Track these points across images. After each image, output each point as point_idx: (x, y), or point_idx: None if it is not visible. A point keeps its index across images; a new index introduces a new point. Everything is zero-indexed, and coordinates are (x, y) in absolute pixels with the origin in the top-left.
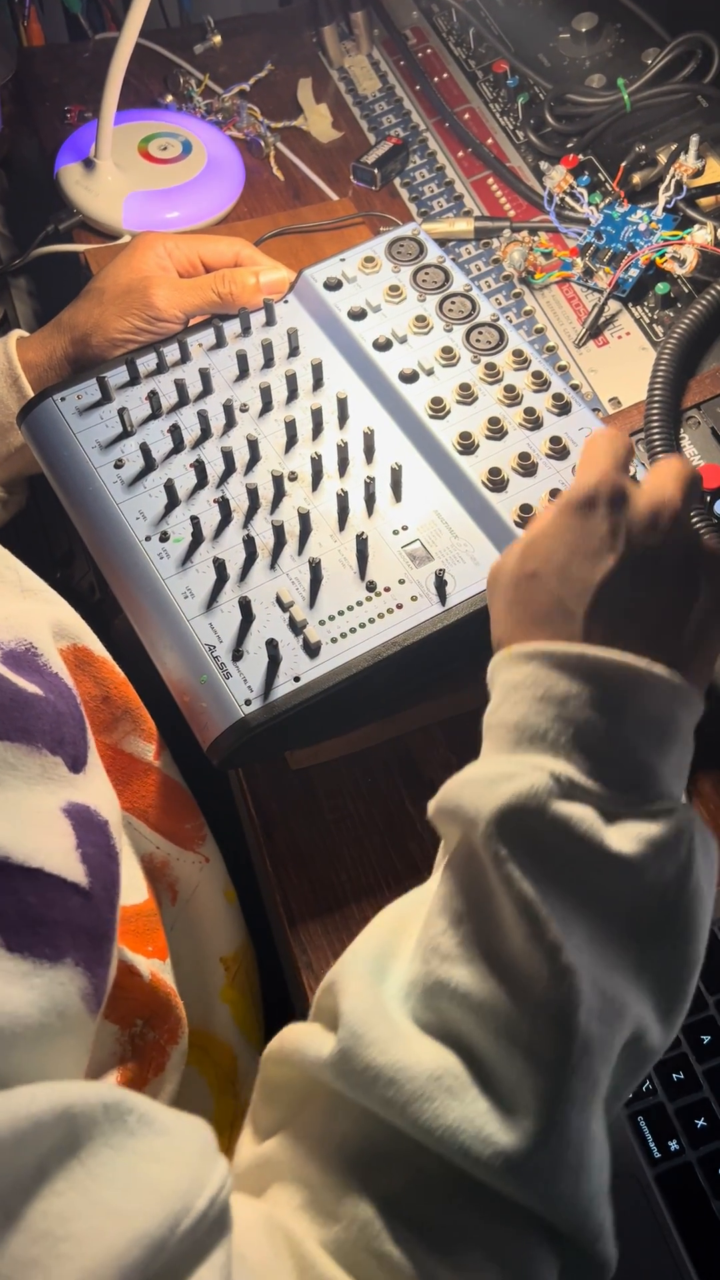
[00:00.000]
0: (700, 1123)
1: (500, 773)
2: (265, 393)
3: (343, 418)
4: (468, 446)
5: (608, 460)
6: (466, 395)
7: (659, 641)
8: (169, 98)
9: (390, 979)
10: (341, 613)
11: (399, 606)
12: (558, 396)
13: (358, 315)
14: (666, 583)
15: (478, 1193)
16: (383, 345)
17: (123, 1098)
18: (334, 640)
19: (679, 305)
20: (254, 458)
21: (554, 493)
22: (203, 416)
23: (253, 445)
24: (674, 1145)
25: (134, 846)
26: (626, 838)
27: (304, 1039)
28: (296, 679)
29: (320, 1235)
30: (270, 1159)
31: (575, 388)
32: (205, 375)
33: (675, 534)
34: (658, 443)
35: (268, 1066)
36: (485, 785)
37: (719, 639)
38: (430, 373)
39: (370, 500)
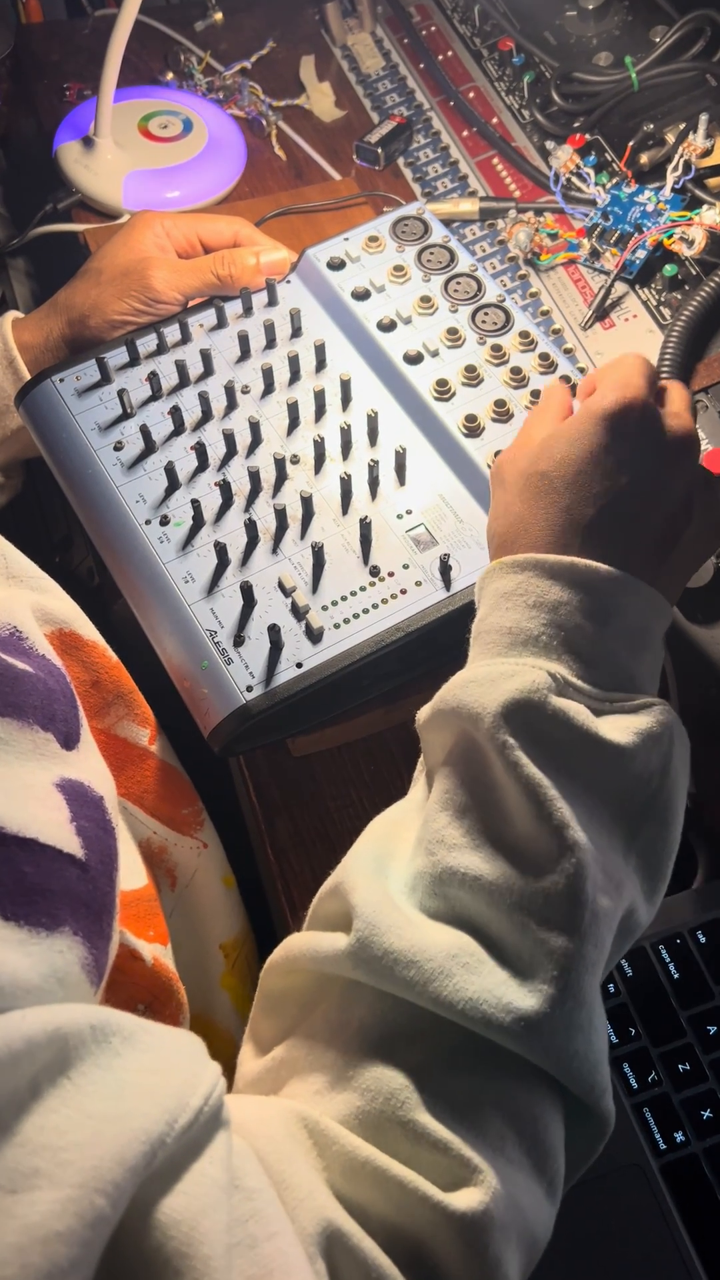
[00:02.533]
0: (706, 1114)
1: (500, 672)
2: (267, 374)
3: (346, 400)
4: (473, 429)
5: (642, 379)
6: (472, 377)
7: (646, 559)
8: (169, 75)
9: (392, 877)
10: (344, 598)
11: (403, 592)
12: (564, 379)
13: (361, 296)
14: (667, 509)
15: (497, 1059)
16: (387, 326)
17: (107, 1019)
18: (337, 626)
19: (687, 287)
20: (255, 440)
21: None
22: (203, 398)
23: (254, 428)
24: (679, 1136)
25: (131, 831)
26: (616, 729)
27: (313, 941)
28: (299, 665)
29: (340, 1111)
30: (283, 1060)
31: (582, 371)
32: (206, 356)
33: (689, 466)
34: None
35: (270, 978)
36: (488, 684)
37: (696, 563)
38: (435, 354)
39: (374, 484)
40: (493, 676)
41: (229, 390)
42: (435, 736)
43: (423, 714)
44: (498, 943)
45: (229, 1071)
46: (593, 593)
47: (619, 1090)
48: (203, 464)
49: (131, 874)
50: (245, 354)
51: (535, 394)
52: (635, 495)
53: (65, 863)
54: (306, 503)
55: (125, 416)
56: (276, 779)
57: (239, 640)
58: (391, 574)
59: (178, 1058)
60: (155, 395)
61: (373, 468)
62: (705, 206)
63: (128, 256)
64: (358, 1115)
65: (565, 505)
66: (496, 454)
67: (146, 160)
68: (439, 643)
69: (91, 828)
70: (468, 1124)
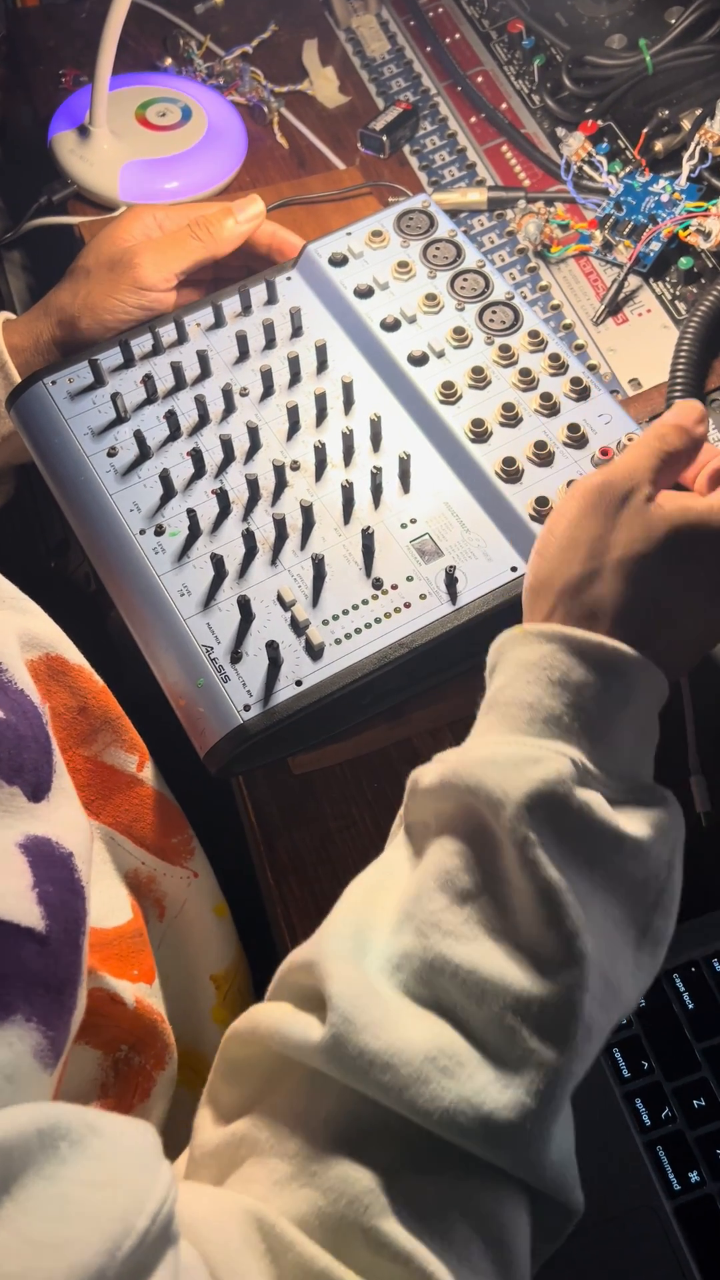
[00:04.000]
0: None
1: (525, 755)
2: (266, 376)
3: (348, 403)
4: (480, 434)
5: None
6: (479, 379)
7: (667, 643)
8: (168, 60)
9: (373, 953)
10: (346, 612)
11: (407, 605)
12: (576, 381)
13: (364, 293)
14: (700, 599)
15: (466, 1164)
16: (391, 325)
17: (56, 1120)
18: (338, 642)
19: (703, 281)
20: (254, 446)
21: (571, 484)
22: (200, 401)
23: (253, 433)
24: (694, 1176)
25: (117, 863)
26: (634, 822)
27: (284, 1022)
28: (298, 683)
29: (300, 1209)
30: (244, 1137)
31: (593, 368)
32: (203, 357)
33: None
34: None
35: (232, 1045)
36: (510, 768)
37: (702, 654)
38: (441, 355)
39: (377, 491)
40: (516, 760)
41: (226, 393)
42: (436, 804)
43: (426, 778)
44: (480, 1043)
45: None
46: (618, 677)
47: (630, 1126)
48: (199, 471)
49: (115, 910)
50: (244, 355)
51: (545, 397)
52: (678, 586)
53: (21, 939)
54: (307, 511)
55: (119, 421)
56: (275, 798)
57: (236, 657)
58: (395, 586)
59: (128, 1165)
60: (150, 398)
61: (375, 475)
62: None
63: (113, 249)
64: (318, 1215)
65: (657, 606)
66: (504, 460)
67: (144, 150)
68: (444, 658)
69: (56, 892)
70: (432, 1231)
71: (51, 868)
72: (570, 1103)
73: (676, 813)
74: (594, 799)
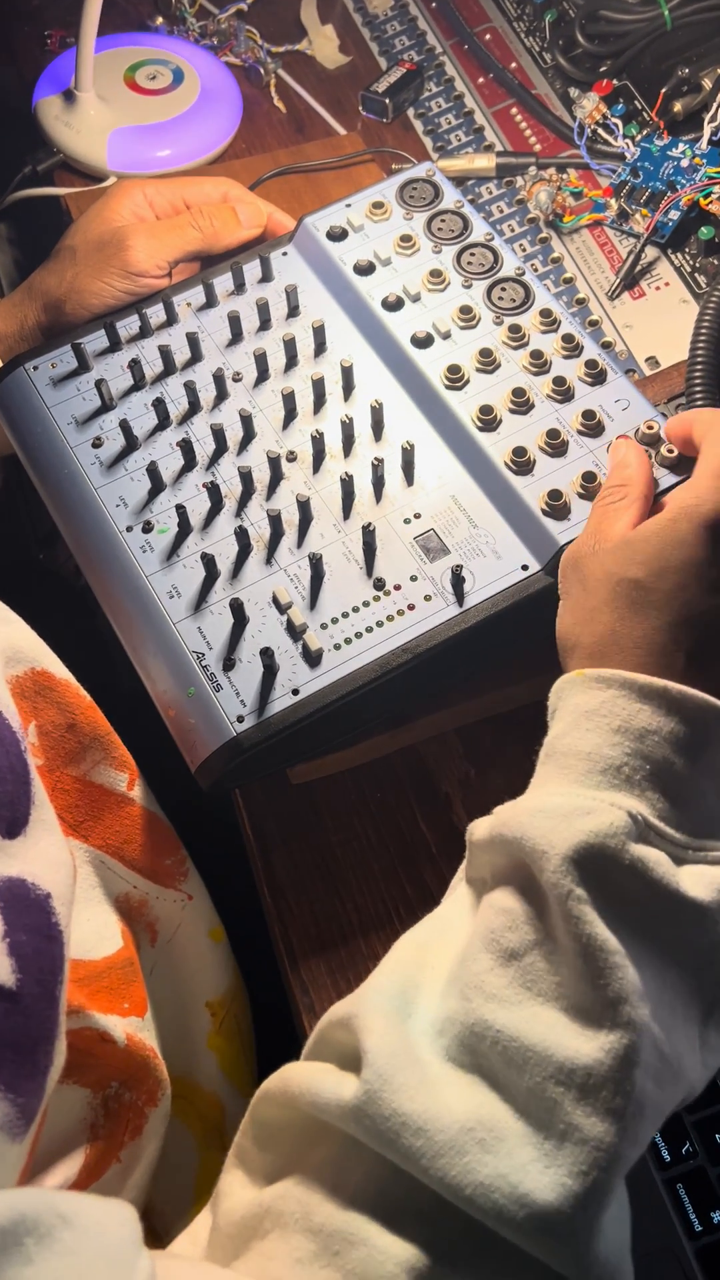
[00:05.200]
0: None
1: (575, 806)
2: (260, 360)
3: (348, 389)
4: (489, 422)
5: None
6: (488, 362)
7: None
8: (159, 19)
9: (417, 1015)
10: (346, 614)
11: (410, 608)
12: (591, 364)
13: (365, 270)
14: None
15: (502, 1254)
16: (393, 304)
17: (22, 1213)
18: (337, 647)
19: None
20: (248, 435)
21: (587, 476)
22: (190, 388)
23: (246, 421)
24: (718, 1216)
25: (107, 888)
26: (700, 884)
27: (316, 1080)
28: (295, 692)
29: None
30: (269, 1209)
31: (608, 346)
32: (194, 340)
33: None
34: (702, 409)
35: (264, 1107)
36: (559, 818)
37: None
38: (446, 336)
39: (378, 484)
40: (565, 811)
41: (218, 379)
42: (489, 858)
43: (479, 831)
44: (524, 1118)
45: (215, 1136)
46: (687, 723)
47: (649, 1164)
48: (189, 462)
49: (104, 938)
50: (237, 336)
51: (558, 381)
52: None
53: None
54: (304, 506)
55: (105, 409)
56: (273, 809)
57: (229, 664)
58: (398, 587)
59: (102, 1263)
60: (138, 385)
61: (377, 466)
62: None
63: (102, 229)
64: None
65: (666, 623)
66: (514, 450)
67: (133, 115)
68: (451, 663)
69: (29, 941)
70: None
71: (26, 913)
72: (624, 1191)
73: None
74: (652, 856)
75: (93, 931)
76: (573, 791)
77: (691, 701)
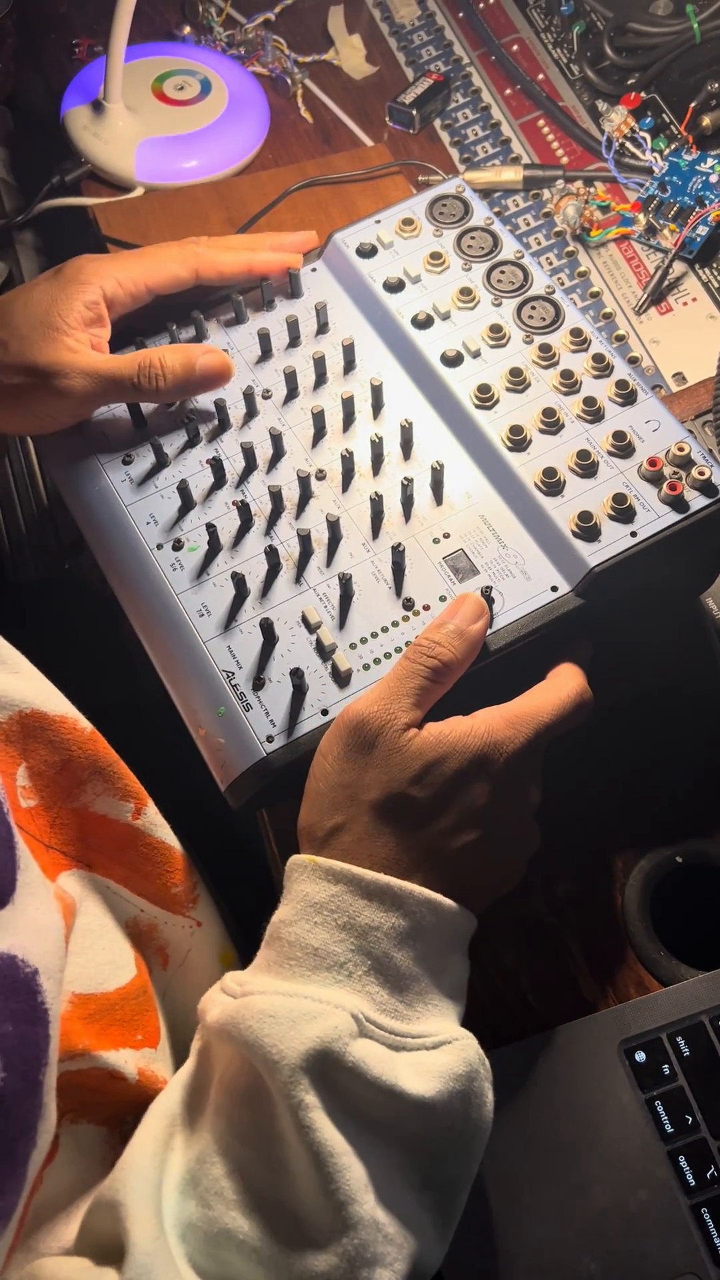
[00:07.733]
0: None
1: (303, 1011)
2: (290, 378)
3: (377, 407)
4: (519, 442)
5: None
6: (518, 382)
7: (461, 881)
8: (186, 29)
9: (167, 1204)
10: (375, 634)
11: None
12: (622, 384)
13: (394, 287)
14: (494, 840)
15: None
16: (423, 322)
17: None
18: (366, 667)
19: None
20: (277, 453)
21: (618, 498)
22: (220, 406)
23: (276, 439)
24: None
25: (115, 914)
26: (419, 1074)
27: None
28: (324, 712)
29: None
30: None
31: (634, 361)
32: None
33: (521, 800)
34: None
35: None
36: (288, 1024)
37: (505, 888)
38: (476, 355)
39: (408, 504)
40: (294, 1016)
41: (248, 396)
42: (220, 1045)
43: (211, 1013)
44: None
45: None
46: (407, 916)
47: (675, 1187)
48: (219, 480)
49: (118, 967)
50: (266, 354)
51: (589, 402)
52: (468, 829)
53: None
54: (333, 526)
55: (136, 426)
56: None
57: (259, 683)
58: (427, 607)
59: None
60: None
61: (406, 485)
62: None
63: (33, 354)
64: None
65: (422, 839)
66: (544, 470)
67: (161, 126)
68: (477, 684)
69: (14, 1030)
70: None
71: (11, 997)
72: None
73: (473, 1059)
74: (372, 1054)
75: (107, 961)
76: (300, 991)
77: (411, 897)
